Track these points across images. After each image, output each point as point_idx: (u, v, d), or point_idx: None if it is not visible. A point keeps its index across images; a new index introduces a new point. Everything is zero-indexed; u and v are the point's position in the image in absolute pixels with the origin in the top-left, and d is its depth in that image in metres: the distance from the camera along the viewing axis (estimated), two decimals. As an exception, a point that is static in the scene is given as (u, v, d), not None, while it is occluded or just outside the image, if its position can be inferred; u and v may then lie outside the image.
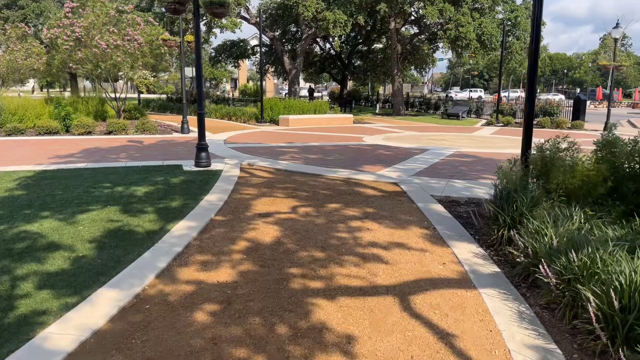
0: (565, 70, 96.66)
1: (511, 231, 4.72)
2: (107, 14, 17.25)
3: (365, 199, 7.03)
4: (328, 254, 4.74)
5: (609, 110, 22.46)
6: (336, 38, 23.95)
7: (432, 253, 4.84)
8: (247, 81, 58.23)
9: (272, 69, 38.18)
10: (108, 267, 4.30)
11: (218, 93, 49.74)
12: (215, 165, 9.61)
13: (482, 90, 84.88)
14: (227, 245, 4.99)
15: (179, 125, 17.06)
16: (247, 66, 56.17)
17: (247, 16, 26.61)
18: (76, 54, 16.60)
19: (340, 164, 10.25)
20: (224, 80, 55.27)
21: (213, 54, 33.03)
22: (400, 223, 5.83)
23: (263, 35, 29.23)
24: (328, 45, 37.52)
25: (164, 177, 8.34)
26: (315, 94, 48.37)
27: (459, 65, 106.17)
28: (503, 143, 15.37)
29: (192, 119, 22.91)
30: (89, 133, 15.56)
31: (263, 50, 35.21)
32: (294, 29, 33.76)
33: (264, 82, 53.94)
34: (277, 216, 6.07)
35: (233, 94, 48.08)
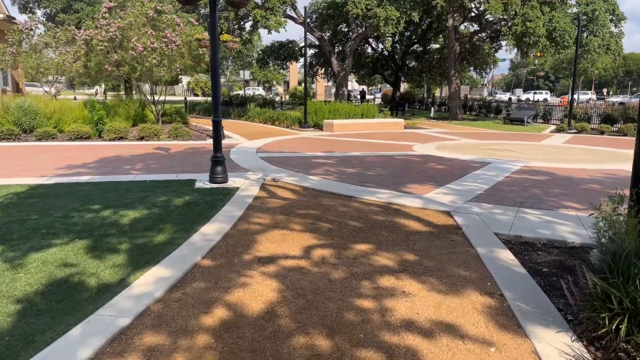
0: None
1: (632, 326, 2.90)
2: (146, 15, 16.53)
3: (406, 237, 5.33)
4: (336, 343, 3.13)
5: None
6: (388, 37, 22.12)
7: (499, 349, 3.10)
8: (299, 84, 57.43)
9: (322, 71, 36.87)
10: (7, 357, 2.94)
11: (270, 96, 49.27)
12: (233, 181, 8.23)
13: (548, 92, 79.32)
14: (197, 315, 3.51)
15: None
16: (296, 68, 55.31)
17: (294, 15, 25.38)
18: (112, 56, 15.96)
19: (382, 181, 8.56)
20: (275, 82, 54.71)
21: (260, 56, 32.16)
22: (452, 283, 4.11)
23: (311, 36, 27.95)
24: (380, 46, 35.69)
25: (167, 196, 7.04)
26: (368, 97, 46.64)
27: (522, 65, 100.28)
28: (581, 155, 12.99)
29: (234, 124, 22.03)
30: (121, 138, 14.81)
31: (312, 51, 34.04)
32: (345, 29, 32.26)
33: (313, 84, 52.99)
34: (281, 263, 4.53)
35: (283, 97, 47.32)
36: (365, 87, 57.03)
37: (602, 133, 20.29)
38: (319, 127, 20.75)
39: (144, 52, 15.87)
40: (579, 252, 4.95)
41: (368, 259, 4.66)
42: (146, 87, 19.27)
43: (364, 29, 24.27)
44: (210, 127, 18.95)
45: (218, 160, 8.02)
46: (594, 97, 63.42)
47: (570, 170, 10.10)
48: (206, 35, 15.91)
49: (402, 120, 22.43)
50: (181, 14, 20.85)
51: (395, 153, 12.74)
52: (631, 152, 14.14)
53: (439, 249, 4.97)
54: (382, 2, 21.73)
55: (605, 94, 78.67)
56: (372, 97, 55.72)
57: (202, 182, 8.13)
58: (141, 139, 14.92)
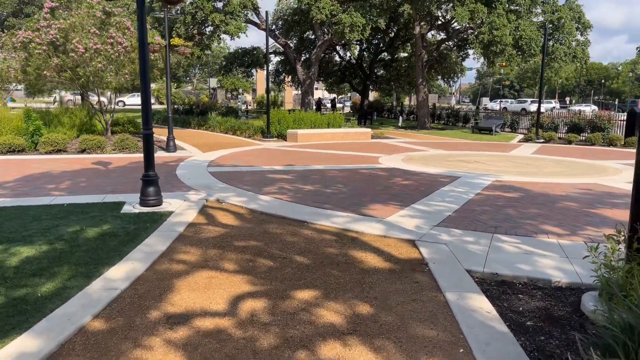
0: (602, 81, 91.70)
1: None
2: (93, 16, 15.22)
3: (361, 279, 4.37)
4: None
5: (672, 125, 19.12)
6: (354, 44, 21.40)
7: None
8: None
9: (289, 79, 35.96)
10: None
11: (238, 103, 47.94)
12: (168, 203, 7.11)
13: (513, 101, 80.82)
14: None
15: (171, 142, 14.68)
16: (264, 76, 54.27)
17: (257, 21, 24.38)
18: (52, 60, 14.55)
19: (341, 201, 7.61)
20: (241, 90, 53.43)
21: (224, 63, 30.96)
22: (414, 350, 3.15)
23: (276, 42, 27.03)
24: (348, 54, 35.11)
25: (81, 225, 5.88)
26: (338, 105, 45.99)
27: (488, 75, 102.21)
28: (552, 167, 12.44)
29: (192, 134, 20.71)
30: (59, 151, 13.41)
31: (278, 59, 33.11)
32: (312, 37, 31.50)
33: (282, 93, 52.01)
34: (197, 323, 3.48)
35: (249, 106, 46.09)
36: (334, 96, 56.55)
37: (570, 142, 20.05)
38: (282, 137, 19.76)
39: (86, 55, 14.54)
40: (567, 295, 4.10)
41: (311, 313, 3.66)
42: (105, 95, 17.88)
43: (329, 36, 23.51)
44: (165, 138, 17.77)
45: (150, 180, 6.90)
46: (558, 105, 64.85)
47: (544, 185, 9.42)
48: (157, 39, 14.73)
49: (369, 130, 21.69)
50: (133, 17, 19.57)
51: (360, 166, 11.85)
52: (603, 163, 13.80)
53: (400, 294, 4.02)
54: (347, 8, 21.02)
55: (568, 103, 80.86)
56: (341, 105, 55.20)
57: (132, 205, 6.98)
58: (82, 151, 13.56)
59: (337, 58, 36.40)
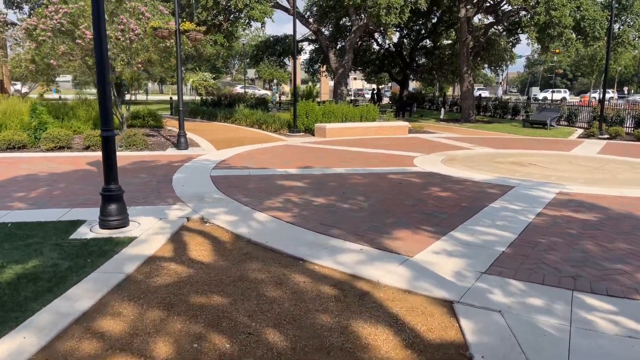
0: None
1: None
2: None
3: (361, 389, 2.67)
4: None
5: None
6: (392, 29, 19.37)
7: None
8: (303, 82, 54.68)
9: (324, 68, 34.16)
10: None
11: (268, 94, 46.64)
12: (137, 224, 5.63)
13: (567, 90, 75.57)
14: None
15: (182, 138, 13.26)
16: (300, 65, 52.55)
17: (286, 5, 22.70)
18: (59, 48, 13.49)
19: (358, 222, 5.89)
20: (275, 81, 52.01)
21: (254, 52, 29.52)
22: None
23: (308, 29, 25.31)
24: (387, 41, 32.89)
25: (6, 258, 4.46)
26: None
27: (539, 63, 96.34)
28: (627, 172, 10.15)
29: (214, 127, 19.36)
30: (62, 148, 12.33)
31: (312, 47, 31.37)
32: (348, 23, 29.54)
33: (318, 84, 50.29)
34: None
35: (283, 97, 44.62)
36: (376, 87, 54.12)
37: (641, 139, 17.32)
38: (310, 131, 18.12)
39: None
40: None
41: None
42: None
43: (365, 21, 21.53)
44: (188, 132, 16.51)
45: (111, 196, 5.42)
46: (616, 96, 59.83)
47: (624, 201, 7.31)
48: (171, 24, 13.33)
49: (406, 123, 19.67)
50: (153, 2, 18.36)
51: (390, 169, 10.03)
52: None
53: None
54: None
55: (626, 92, 74.80)
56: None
57: (91, 226, 5.53)
58: (87, 148, 12.43)
59: (375, 46, 34.22)
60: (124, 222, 5.49)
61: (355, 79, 79.09)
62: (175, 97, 25.86)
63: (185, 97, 42.19)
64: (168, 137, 15.39)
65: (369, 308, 3.64)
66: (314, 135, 17.61)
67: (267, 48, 28.71)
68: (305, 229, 5.60)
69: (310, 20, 27.15)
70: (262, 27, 20.33)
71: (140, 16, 14.41)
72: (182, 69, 14.61)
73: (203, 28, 13.08)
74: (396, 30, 32.03)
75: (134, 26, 13.71)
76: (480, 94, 37.03)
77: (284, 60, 31.30)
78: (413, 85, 65.77)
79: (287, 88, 64.63)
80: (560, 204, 7.04)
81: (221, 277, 4.19)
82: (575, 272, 4.33)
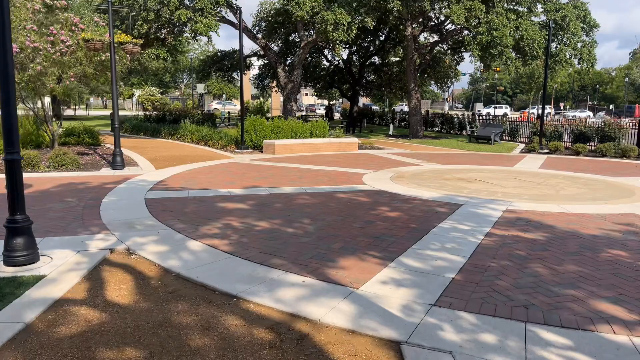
0: (597, 86, 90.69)
1: None
2: (32, 9, 13.03)
3: None
4: None
5: (691, 135, 17.22)
6: (340, 45, 19.33)
7: None
8: (253, 97, 54.04)
9: (274, 84, 33.84)
10: None
11: (210, 107, 45.64)
12: (49, 258, 4.93)
13: (507, 106, 79.36)
14: None
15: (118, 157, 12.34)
16: (248, 80, 51.95)
17: (233, 20, 22.26)
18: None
19: (302, 249, 5.47)
20: (224, 96, 51.15)
21: (202, 67, 28.73)
22: None
23: (256, 44, 24.94)
24: (337, 58, 33.07)
25: None
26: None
27: (481, 80, 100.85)
28: (569, 187, 10.38)
29: (157, 144, 18.31)
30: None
31: (262, 62, 31.01)
32: (298, 39, 29.46)
33: (268, 99, 49.85)
34: None
35: (229, 114, 43.79)
36: (327, 102, 54.33)
37: (578, 153, 18.09)
38: (259, 148, 17.63)
39: (22, 55, 12.35)
40: None
41: None
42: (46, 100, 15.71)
43: (313, 37, 21.44)
44: (127, 150, 15.49)
45: (17, 228, 4.71)
46: (552, 111, 63.43)
47: (569, 218, 7.33)
48: (106, 36, 12.52)
49: (356, 139, 19.60)
50: (92, 14, 17.41)
51: (339, 188, 9.72)
52: (625, 181, 11.60)
53: None
54: (331, 5, 18.97)
55: (562, 108, 79.60)
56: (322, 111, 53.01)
57: (-10, 263, 4.79)
58: (9, 169, 11.31)
59: (325, 62, 34.36)
60: (32, 258, 4.78)
61: (306, 94, 79.47)
62: (128, 113, 24.59)
63: (128, 113, 40.51)
64: (104, 155, 14.41)
65: (308, 355, 3.21)
66: (262, 152, 17.14)
67: (215, 63, 28.04)
68: (244, 259, 5.11)
69: (259, 35, 26.83)
70: (209, 41, 19.64)
71: (74, 27, 13.52)
72: (123, 83, 13.80)
73: (140, 41, 12.34)
74: (345, 47, 32.31)
75: (64, 38, 12.80)
76: (400, 109, 38.26)
77: (233, 75, 30.67)
78: (363, 100, 66.86)
79: (237, 103, 63.66)
80: (507, 222, 6.94)
81: (139, 324, 3.63)
82: (527, 300, 4.10)
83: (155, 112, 25.90)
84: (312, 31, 20.92)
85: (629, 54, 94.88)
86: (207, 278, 4.51)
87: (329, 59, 33.09)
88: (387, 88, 35.36)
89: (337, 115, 45.74)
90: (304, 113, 57.14)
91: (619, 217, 7.36)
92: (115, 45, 11.49)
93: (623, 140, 18.64)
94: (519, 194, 9.43)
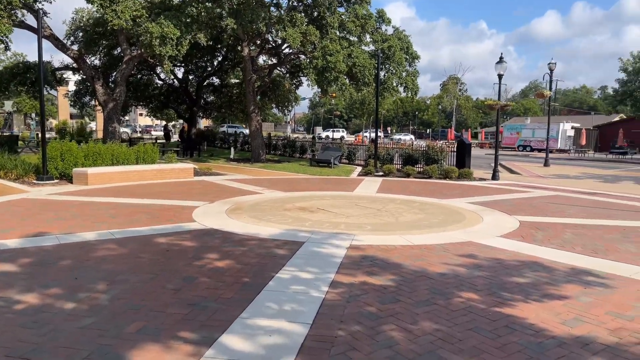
0: (416, 112, 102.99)
1: None
2: None
3: None
4: None
5: (496, 157, 19.56)
6: (167, 62, 17.37)
7: None
8: (71, 117, 47.44)
9: (95, 102, 29.74)
10: None
11: (28, 133, 38.78)
12: None
13: (344, 130, 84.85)
14: None
15: None
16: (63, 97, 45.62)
17: (35, 25, 18.52)
18: None
19: (73, 343, 3.70)
20: (33, 115, 43.93)
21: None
22: None
23: (66, 56, 21.34)
24: (172, 76, 30.66)
25: None
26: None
27: (320, 105, 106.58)
28: (407, 213, 10.28)
29: None
30: None
31: (78, 77, 26.99)
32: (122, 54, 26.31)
33: (93, 122, 44.25)
34: None
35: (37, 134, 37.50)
36: (168, 124, 50.36)
37: (408, 175, 19.09)
38: (68, 178, 14.57)
39: None
40: None
41: None
42: None
43: (139, 51, 19.06)
44: None
45: None
46: (382, 135, 69.62)
47: (414, 251, 6.85)
48: None
49: (191, 165, 17.72)
50: None
51: (160, 229, 7.94)
52: (454, 203, 11.78)
53: None
54: (157, 16, 17.00)
55: (390, 132, 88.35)
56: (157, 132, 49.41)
57: None
58: None
59: (157, 80, 31.60)
60: None
61: (141, 114, 73.49)
62: None
63: None
64: None
65: None
66: (73, 182, 14.18)
67: (15, 76, 23.29)
68: (-36, 378, 3.15)
69: (75, 47, 23.16)
70: (6, 49, 15.88)
71: None
72: None
73: None
74: (180, 65, 30.17)
75: None
76: (235, 131, 38.09)
77: (47, 90, 25.92)
78: (205, 122, 64.30)
79: (54, 122, 55.16)
80: (353, 263, 6.10)
81: None
82: (387, 393, 3.08)
83: None
84: (136, 43, 18.54)
85: (440, 85, 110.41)
86: None
87: (162, 77, 30.49)
88: (228, 110, 34.06)
89: (176, 137, 42.65)
90: (140, 134, 52.27)
91: (459, 247, 7.14)
92: None
93: (444, 162, 20.32)
94: (362, 223, 8.87)
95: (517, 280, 5.50)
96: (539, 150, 44.41)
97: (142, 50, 17.60)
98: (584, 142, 43.86)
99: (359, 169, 21.35)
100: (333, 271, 5.73)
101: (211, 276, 5.47)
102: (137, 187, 13.54)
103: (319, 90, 23.19)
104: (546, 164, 26.43)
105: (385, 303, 4.71)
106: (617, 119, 55.87)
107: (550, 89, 26.51)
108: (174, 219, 8.87)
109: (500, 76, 18.68)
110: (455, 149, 20.62)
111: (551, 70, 26.65)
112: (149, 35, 15.87)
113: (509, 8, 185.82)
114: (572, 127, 47.85)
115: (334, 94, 37.76)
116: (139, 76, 30.33)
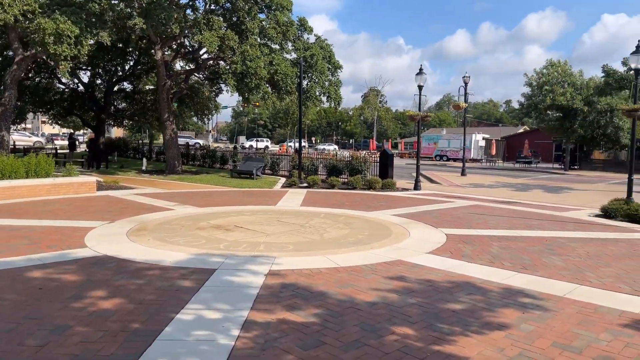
0: (340, 123, 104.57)
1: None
2: None
3: None
4: None
5: (417, 167, 19.73)
6: (64, 63, 15.42)
7: None
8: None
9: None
10: None
11: None
12: None
13: (268, 140, 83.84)
14: None
15: None
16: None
17: None
18: None
19: None
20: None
21: None
22: None
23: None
24: (76, 79, 27.93)
25: None
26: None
27: (243, 114, 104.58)
28: (332, 228, 9.61)
29: None
30: None
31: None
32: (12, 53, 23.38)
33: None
34: None
35: None
36: (72, 130, 46.06)
37: (333, 186, 18.62)
38: (-64, 196, 12.25)
39: None
40: None
41: None
42: None
43: (32, 51, 16.84)
44: None
45: None
46: (306, 145, 69.57)
47: (340, 276, 6.14)
48: None
49: (94, 178, 15.85)
50: None
51: (38, 259, 6.54)
52: (379, 216, 11.05)
53: None
54: (53, 12, 15.07)
55: (314, 142, 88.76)
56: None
57: None
58: None
59: (59, 84, 28.65)
60: None
61: (44, 122, 67.18)
62: None
63: None
64: None
65: None
66: (-59, 201, 11.92)
67: None
68: None
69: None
70: None
71: None
72: None
73: None
74: (85, 68, 27.60)
75: None
76: (187, 142, 35.76)
77: None
78: (117, 132, 60.06)
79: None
80: (271, 295, 5.24)
81: None
82: None
83: None
84: (28, 42, 16.35)
85: (361, 97, 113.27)
86: None
87: (64, 81, 27.67)
88: (142, 118, 31.74)
89: (84, 147, 39.10)
90: (43, 144, 47.39)
91: (388, 268, 6.55)
92: None
93: (367, 173, 20.13)
94: (283, 243, 8.05)
95: (453, 307, 4.97)
96: (454, 160, 46.57)
97: (35, 49, 15.51)
98: (494, 152, 46.64)
99: (283, 180, 20.53)
100: (247, 307, 4.83)
101: (90, 323, 4.33)
102: (22, 205, 11.66)
103: (241, 98, 22.15)
104: (463, 174, 27.40)
105: (307, 349, 3.90)
106: (521, 130, 60.45)
107: (465, 100, 27.64)
108: (59, 245, 7.45)
109: (420, 87, 18.88)
110: (377, 160, 20.54)
111: (466, 83, 27.80)
112: (41, 32, 13.95)
113: (424, 24, 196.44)
114: (483, 138, 50.87)
115: (257, 103, 36.77)
116: (36, 79, 27.29)
